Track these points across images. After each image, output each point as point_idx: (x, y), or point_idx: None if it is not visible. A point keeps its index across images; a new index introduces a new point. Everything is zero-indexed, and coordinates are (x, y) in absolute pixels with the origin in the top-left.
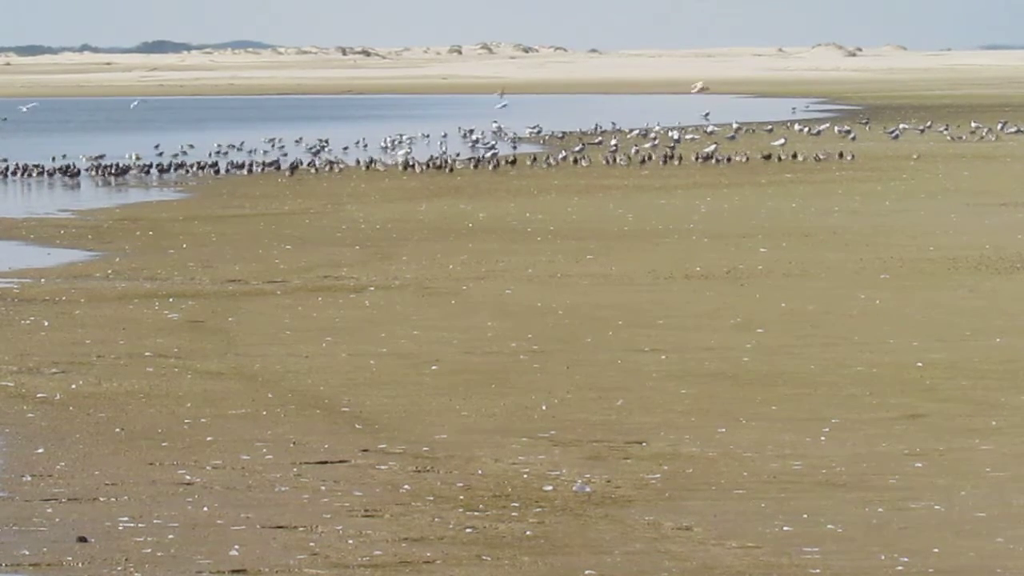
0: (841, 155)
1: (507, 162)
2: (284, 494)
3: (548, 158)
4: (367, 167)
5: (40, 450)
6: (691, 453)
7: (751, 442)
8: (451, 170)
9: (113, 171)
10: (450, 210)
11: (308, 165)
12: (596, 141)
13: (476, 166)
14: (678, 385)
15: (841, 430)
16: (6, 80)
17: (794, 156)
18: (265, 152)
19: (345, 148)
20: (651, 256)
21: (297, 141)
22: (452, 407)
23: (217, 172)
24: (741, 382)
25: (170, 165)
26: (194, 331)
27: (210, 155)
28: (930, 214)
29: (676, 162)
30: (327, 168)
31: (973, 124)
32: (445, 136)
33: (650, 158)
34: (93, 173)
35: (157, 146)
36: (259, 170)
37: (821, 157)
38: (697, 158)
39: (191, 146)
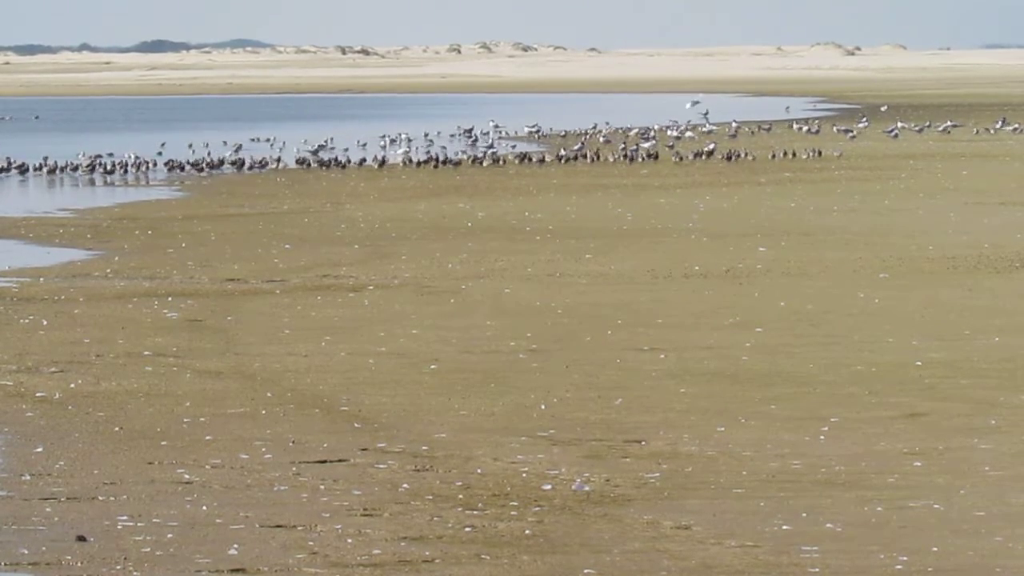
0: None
1: (517, 159)
2: (283, 493)
3: (554, 156)
4: (361, 165)
5: (39, 449)
6: (690, 452)
7: (750, 441)
8: (444, 163)
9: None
10: (449, 209)
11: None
12: (603, 141)
13: (473, 163)
14: (677, 384)
15: (840, 429)
16: (5, 79)
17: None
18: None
19: (346, 148)
20: (650, 255)
21: (302, 142)
22: (451, 406)
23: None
24: (740, 381)
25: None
26: (193, 330)
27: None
28: (929, 213)
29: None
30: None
31: (950, 122)
32: (449, 136)
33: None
34: None
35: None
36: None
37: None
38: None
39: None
